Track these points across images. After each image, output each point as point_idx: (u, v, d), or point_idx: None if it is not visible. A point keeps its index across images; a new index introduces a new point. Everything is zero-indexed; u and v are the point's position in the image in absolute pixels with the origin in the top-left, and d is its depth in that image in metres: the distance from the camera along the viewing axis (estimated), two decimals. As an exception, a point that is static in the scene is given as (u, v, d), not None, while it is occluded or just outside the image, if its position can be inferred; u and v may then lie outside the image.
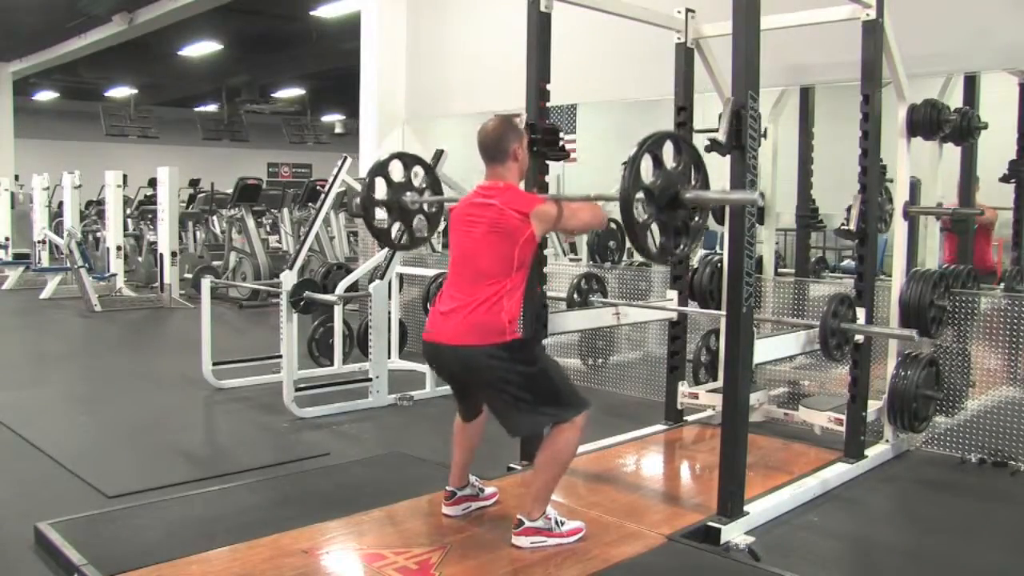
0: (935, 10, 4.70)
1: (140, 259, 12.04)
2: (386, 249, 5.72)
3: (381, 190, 3.97)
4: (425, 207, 4.04)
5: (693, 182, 2.97)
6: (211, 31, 12.98)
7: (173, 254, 10.08)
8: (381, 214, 4.04)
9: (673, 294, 4.70)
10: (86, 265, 9.95)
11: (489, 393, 3.06)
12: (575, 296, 4.93)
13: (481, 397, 3.15)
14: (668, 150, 2.97)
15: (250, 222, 10.60)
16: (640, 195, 2.81)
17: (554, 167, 5.18)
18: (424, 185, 4.09)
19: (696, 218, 3.00)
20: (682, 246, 2.99)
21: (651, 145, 2.87)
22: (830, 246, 7.64)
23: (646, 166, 2.85)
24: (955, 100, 4.93)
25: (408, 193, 3.99)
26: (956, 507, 3.82)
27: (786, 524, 3.47)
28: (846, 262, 7.13)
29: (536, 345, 2.99)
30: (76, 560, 2.83)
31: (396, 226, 4.06)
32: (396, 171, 4.02)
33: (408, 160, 4.14)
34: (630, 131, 8.87)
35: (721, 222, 5.20)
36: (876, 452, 4.24)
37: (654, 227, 2.89)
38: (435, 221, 4.13)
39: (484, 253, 2.99)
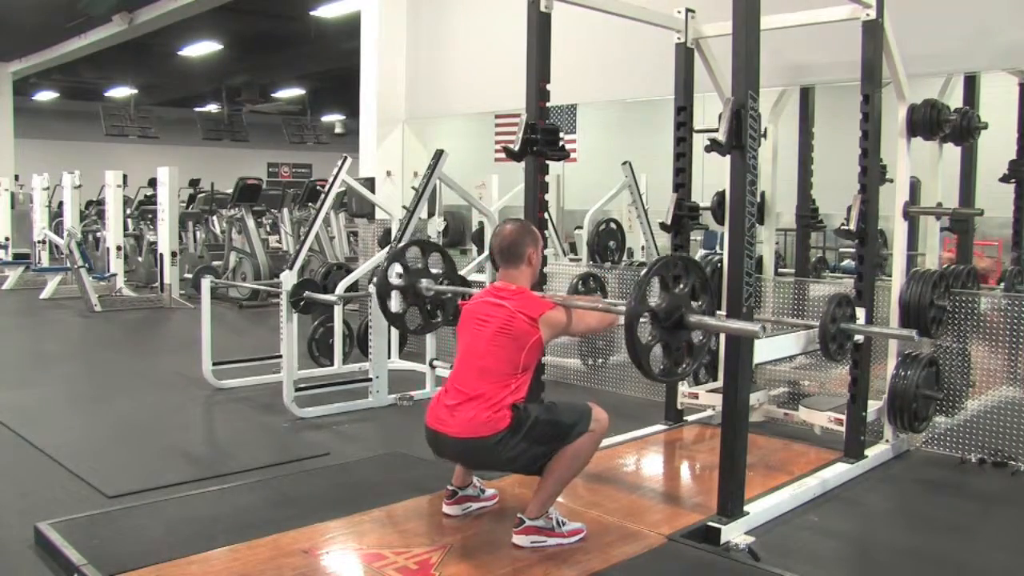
0: (935, 10, 4.70)
1: (140, 259, 12.03)
2: (386, 249, 5.73)
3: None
4: (439, 296, 4.08)
5: (700, 302, 3.01)
6: (211, 31, 12.97)
7: (173, 254, 10.08)
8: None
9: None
10: (86, 265, 9.95)
11: (502, 467, 3.13)
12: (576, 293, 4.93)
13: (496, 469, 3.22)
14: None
15: (250, 222, 10.59)
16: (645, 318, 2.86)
17: (554, 167, 5.21)
18: (441, 272, 4.13)
19: (700, 338, 3.03)
20: (685, 365, 3.03)
21: (659, 269, 2.91)
22: (830, 246, 7.64)
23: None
24: (955, 100, 4.93)
25: (424, 280, 4.03)
26: (956, 507, 3.82)
27: (786, 524, 3.47)
28: (846, 262, 7.13)
29: (524, 408, 3.02)
30: (76, 560, 2.84)
31: (410, 312, 4.10)
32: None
33: (426, 247, 4.18)
34: (630, 131, 8.90)
35: (721, 222, 5.21)
36: (876, 452, 4.24)
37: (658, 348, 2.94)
38: (450, 308, 4.15)
39: (490, 353, 3.03)
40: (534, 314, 3.02)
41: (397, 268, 4.16)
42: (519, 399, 3.01)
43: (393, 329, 6.06)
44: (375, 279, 4.20)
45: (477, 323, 3.11)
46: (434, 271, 4.21)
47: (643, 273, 2.88)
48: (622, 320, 2.94)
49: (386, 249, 5.70)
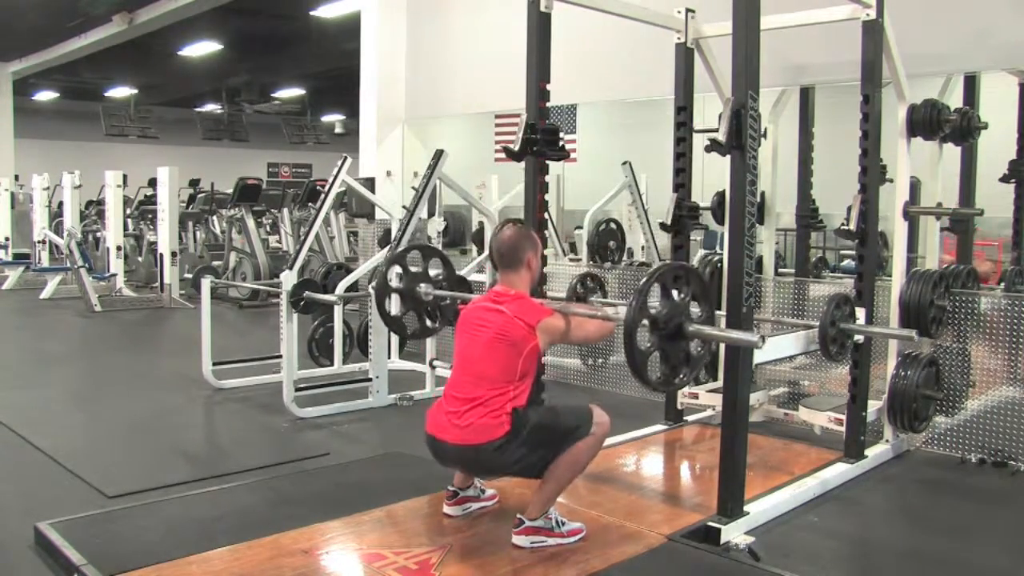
0: (935, 10, 4.70)
1: (140, 259, 12.03)
2: (385, 249, 5.72)
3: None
4: (438, 300, 4.07)
5: (700, 312, 3.01)
6: (211, 31, 12.97)
7: (173, 254, 10.08)
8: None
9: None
10: (86, 265, 9.95)
11: (503, 472, 3.11)
12: (574, 296, 4.92)
13: (497, 475, 3.21)
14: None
15: (250, 222, 10.59)
16: (644, 323, 2.86)
17: (554, 167, 5.20)
18: (441, 277, 4.12)
19: (699, 349, 3.03)
20: (682, 376, 3.03)
21: (660, 277, 2.91)
22: (830, 246, 7.64)
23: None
24: (955, 100, 4.93)
25: (423, 284, 4.03)
26: (956, 507, 3.82)
27: (786, 524, 3.47)
28: (846, 262, 7.13)
29: (523, 412, 3.01)
30: (76, 560, 2.84)
31: (407, 316, 4.10)
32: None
33: (427, 252, 4.18)
34: (630, 131, 8.90)
35: (721, 222, 5.20)
36: (876, 452, 4.24)
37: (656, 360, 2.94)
38: (448, 314, 4.13)
39: (488, 359, 3.02)
40: (532, 320, 3.01)
41: (397, 270, 4.14)
42: (519, 405, 2.99)
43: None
44: (374, 282, 4.18)
45: (474, 328, 3.10)
46: (433, 272, 4.20)
47: (643, 281, 2.88)
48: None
49: (386, 250, 5.71)
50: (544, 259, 3.82)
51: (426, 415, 3.15)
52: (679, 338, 2.95)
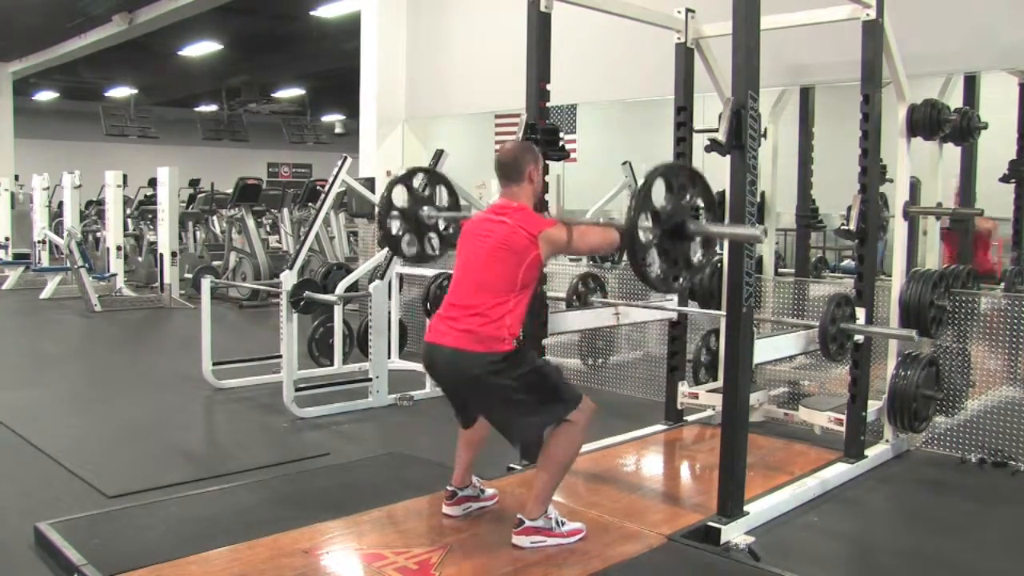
0: (935, 10, 4.70)
1: (140, 259, 12.04)
2: (386, 249, 5.72)
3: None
4: (441, 224, 4.06)
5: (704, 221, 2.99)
6: (211, 31, 12.97)
7: (173, 254, 10.08)
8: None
9: (673, 294, 4.69)
10: (86, 265, 9.95)
11: (485, 401, 3.06)
12: (575, 296, 4.93)
13: (477, 406, 3.15)
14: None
15: (250, 222, 10.60)
16: (647, 220, 2.81)
17: (554, 167, 5.19)
18: (447, 206, 4.12)
19: (699, 254, 3.00)
20: (682, 279, 3.01)
21: (665, 172, 2.89)
22: (830, 246, 7.64)
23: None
24: (955, 100, 4.93)
25: (426, 207, 4.02)
26: (956, 507, 3.82)
27: (786, 524, 3.47)
28: (846, 262, 7.13)
29: (529, 349, 3.00)
30: (76, 560, 2.84)
31: (408, 237, 4.08)
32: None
33: (433, 177, 4.17)
34: (630, 131, 8.90)
35: (721, 222, 5.19)
36: (876, 452, 4.24)
37: (656, 258, 2.90)
38: (449, 242, 4.14)
39: (489, 267, 3.03)
40: (534, 230, 3.01)
41: (401, 190, 4.10)
42: (517, 320, 2.99)
43: (393, 329, 6.07)
44: (378, 202, 4.14)
45: (478, 238, 3.10)
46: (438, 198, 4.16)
47: (649, 173, 2.83)
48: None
49: (385, 250, 5.71)
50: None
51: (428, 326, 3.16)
52: (682, 238, 2.90)
